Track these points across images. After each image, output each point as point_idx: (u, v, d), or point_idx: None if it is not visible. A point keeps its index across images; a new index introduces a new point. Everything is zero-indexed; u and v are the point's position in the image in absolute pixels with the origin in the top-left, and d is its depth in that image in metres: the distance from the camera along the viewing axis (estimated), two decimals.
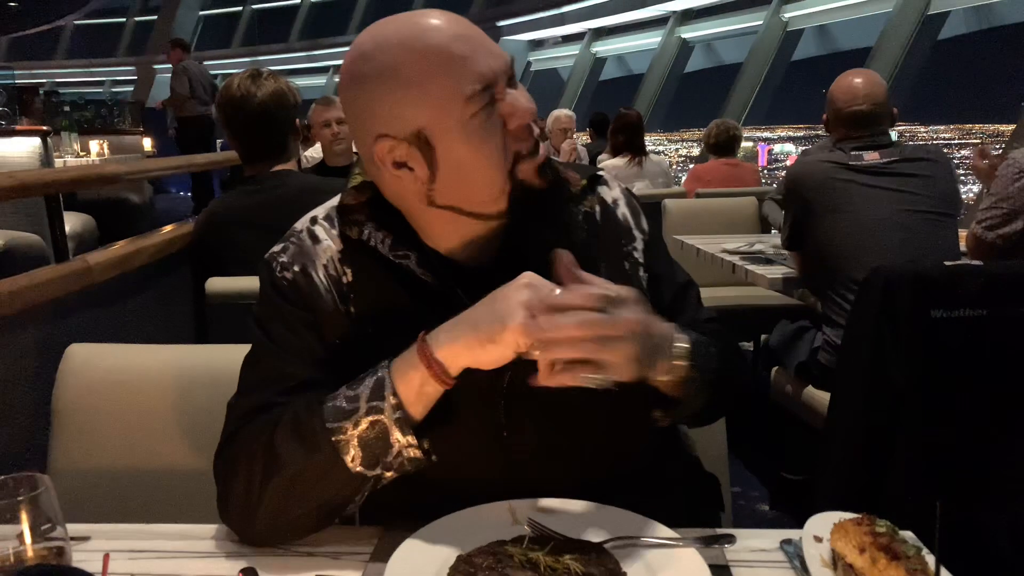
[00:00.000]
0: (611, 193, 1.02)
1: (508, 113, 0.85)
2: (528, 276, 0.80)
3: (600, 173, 1.03)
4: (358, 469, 0.82)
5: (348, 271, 0.92)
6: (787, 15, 9.89)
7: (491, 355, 0.79)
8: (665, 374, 0.84)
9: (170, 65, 8.28)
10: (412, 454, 0.82)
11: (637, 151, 4.82)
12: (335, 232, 0.94)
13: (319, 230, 0.95)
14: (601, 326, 0.77)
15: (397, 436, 0.81)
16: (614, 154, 4.90)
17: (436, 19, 0.85)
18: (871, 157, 2.28)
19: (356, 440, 0.81)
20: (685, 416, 0.92)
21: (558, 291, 0.79)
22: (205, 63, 8.97)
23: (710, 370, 0.88)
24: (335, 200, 0.97)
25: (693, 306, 1.03)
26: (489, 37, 0.87)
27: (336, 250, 0.93)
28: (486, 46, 0.85)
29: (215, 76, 8.72)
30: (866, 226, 2.21)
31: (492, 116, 0.84)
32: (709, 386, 0.89)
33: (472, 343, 0.79)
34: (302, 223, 0.98)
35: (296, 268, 0.93)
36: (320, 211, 0.98)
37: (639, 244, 1.00)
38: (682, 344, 0.86)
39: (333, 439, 0.81)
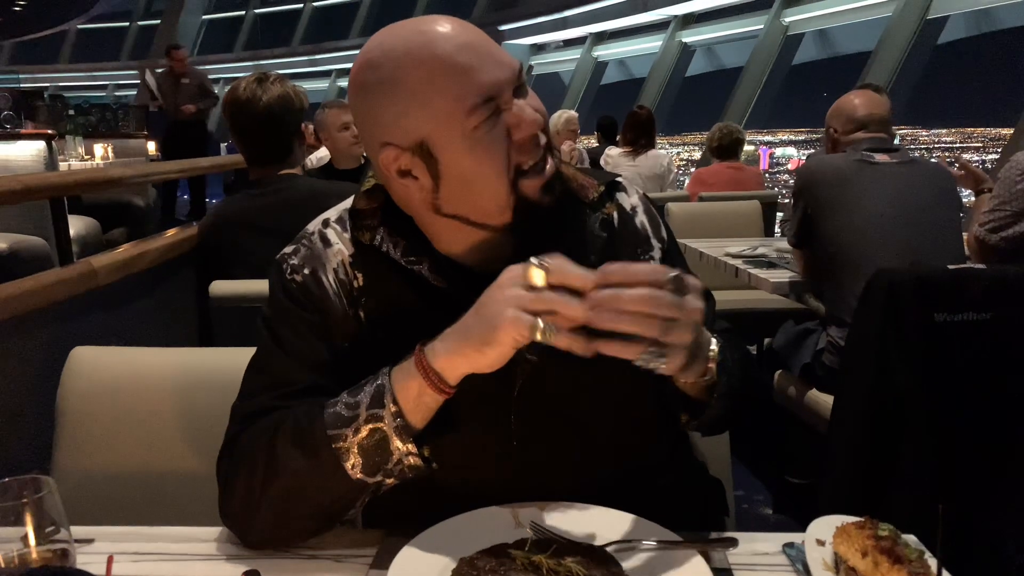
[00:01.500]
0: (629, 200, 1.01)
1: (513, 124, 0.83)
2: (509, 271, 0.77)
3: (619, 179, 1.02)
4: (358, 476, 0.81)
5: (359, 275, 0.92)
6: (787, 19, 9.88)
7: (489, 358, 0.77)
8: (697, 376, 0.84)
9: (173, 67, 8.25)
10: (412, 462, 0.82)
11: (644, 147, 4.85)
12: (347, 236, 0.93)
13: (331, 233, 0.94)
14: (669, 308, 0.73)
15: (397, 444, 0.81)
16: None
17: (443, 27, 0.83)
18: (882, 158, 2.31)
19: (356, 447, 0.81)
20: (704, 424, 0.92)
21: (565, 263, 0.75)
22: (207, 67, 8.96)
23: (733, 377, 0.88)
24: (348, 202, 0.96)
25: (709, 317, 1.02)
26: (498, 44, 0.85)
27: (347, 254, 0.93)
28: (493, 55, 0.83)
29: (217, 80, 8.72)
30: (876, 223, 2.22)
31: (496, 127, 0.83)
32: (730, 394, 0.88)
33: (467, 351, 0.78)
34: (314, 225, 0.97)
35: (306, 271, 0.93)
36: (332, 213, 0.97)
37: (656, 253, 0.99)
38: (715, 348, 0.85)
39: (334, 446, 0.81)
